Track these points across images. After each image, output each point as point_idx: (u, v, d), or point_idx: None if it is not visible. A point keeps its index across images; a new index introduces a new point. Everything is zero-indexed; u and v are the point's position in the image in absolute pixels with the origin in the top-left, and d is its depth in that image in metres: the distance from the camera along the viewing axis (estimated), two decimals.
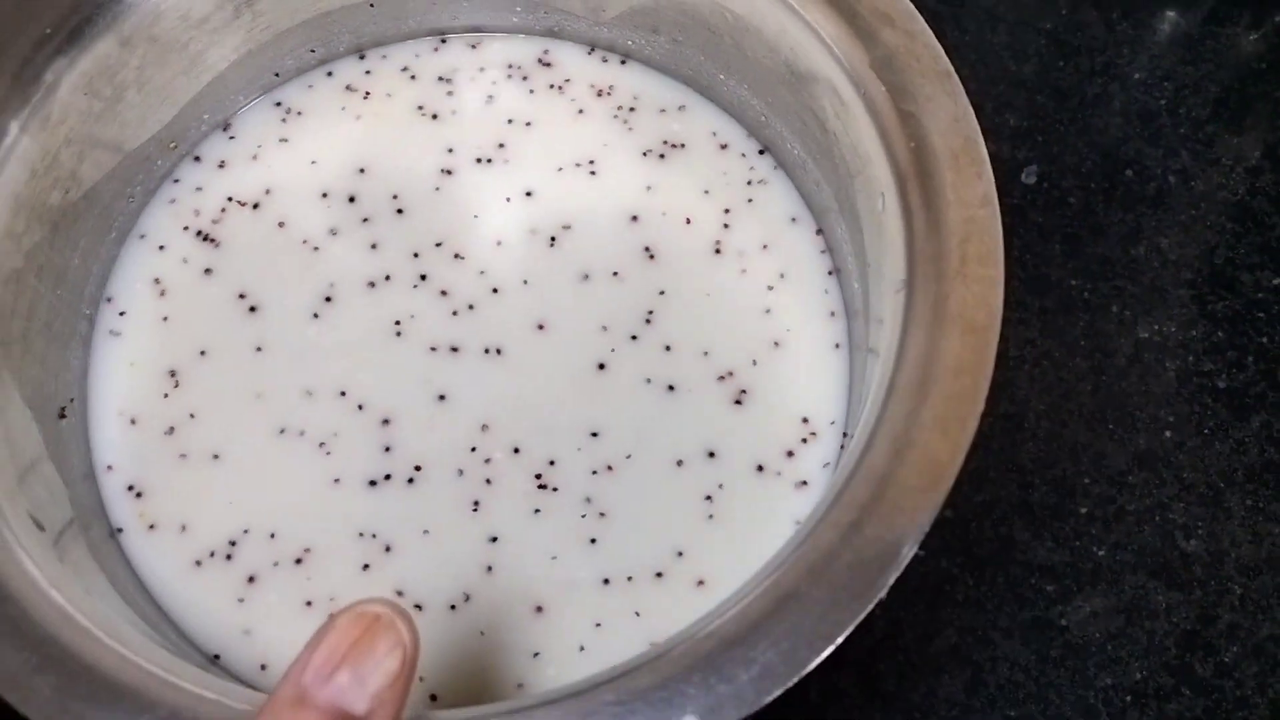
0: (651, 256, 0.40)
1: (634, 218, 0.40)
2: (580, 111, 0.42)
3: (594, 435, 0.37)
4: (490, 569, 0.36)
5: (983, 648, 0.41)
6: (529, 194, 0.41)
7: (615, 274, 0.39)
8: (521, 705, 0.27)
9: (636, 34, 0.41)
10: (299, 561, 0.36)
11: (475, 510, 0.36)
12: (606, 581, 0.36)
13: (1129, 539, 0.42)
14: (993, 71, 0.50)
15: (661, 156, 0.41)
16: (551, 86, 0.42)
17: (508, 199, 0.41)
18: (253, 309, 0.39)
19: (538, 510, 0.36)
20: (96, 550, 0.34)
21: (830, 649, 0.26)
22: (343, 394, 0.38)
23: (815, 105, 0.35)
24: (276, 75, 0.42)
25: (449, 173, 0.41)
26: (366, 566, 0.36)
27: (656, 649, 0.27)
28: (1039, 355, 0.45)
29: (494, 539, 0.36)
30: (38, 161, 0.35)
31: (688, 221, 0.40)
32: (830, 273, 0.39)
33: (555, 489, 0.37)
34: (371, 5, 0.41)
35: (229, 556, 0.36)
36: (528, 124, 0.42)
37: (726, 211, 0.40)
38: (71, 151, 0.36)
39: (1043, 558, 0.42)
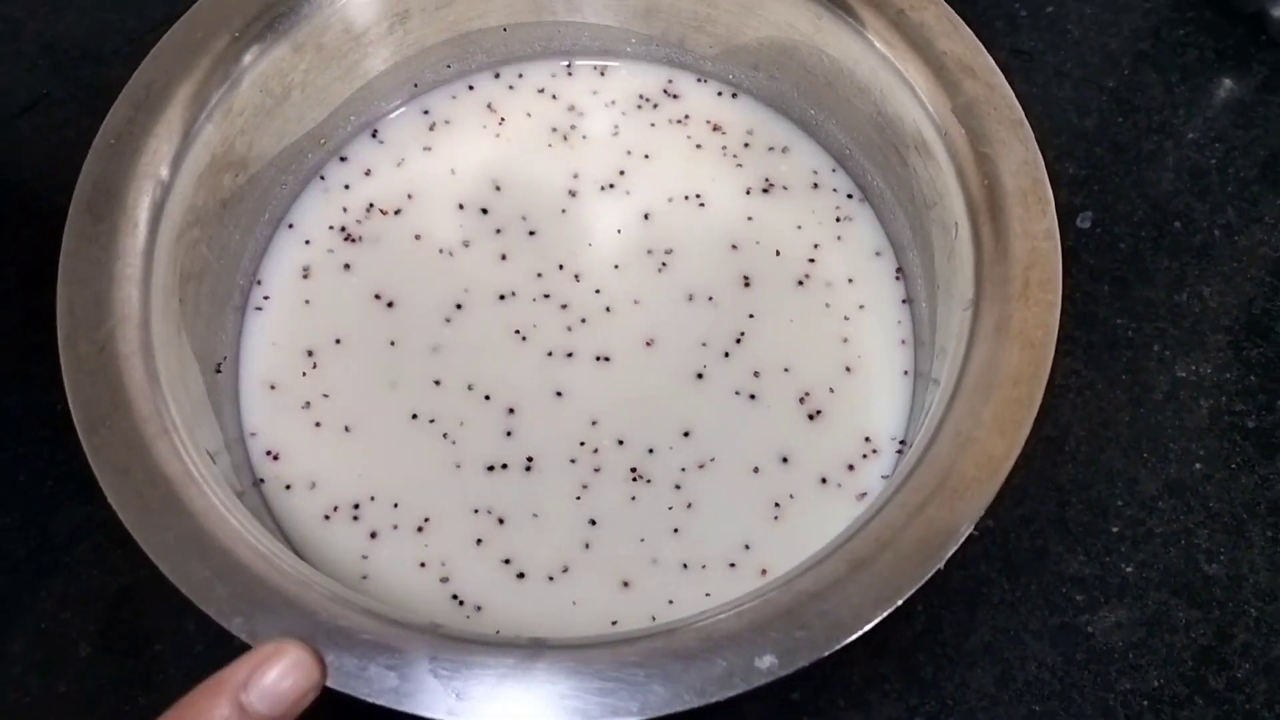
0: (747, 284, 0.44)
1: (733, 246, 0.45)
2: (698, 146, 0.47)
3: (685, 435, 0.42)
4: (588, 546, 0.40)
5: (1014, 647, 0.45)
6: (645, 217, 0.46)
7: (711, 299, 0.44)
8: (620, 637, 0.31)
9: (739, 69, 0.46)
10: (420, 529, 0.41)
11: (579, 498, 0.41)
12: (685, 566, 0.40)
13: (1155, 558, 0.46)
14: (1056, 123, 0.54)
15: (765, 191, 0.46)
16: (671, 120, 0.47)
17: (619, 230, 0.46)
18: (390, 305, 0.44)
19: (633, 498, 0.41)
20: (245, 496, 0.38)
21: (891, 609, 0.31)
22: (470, 387, 0.43)
23: (899, 143, 0.40)
24: (415, 85, 0.47)
25: (574, 194, 0.46)
26: (480, 541, 0.41)
27: (741, 598, 0.32)
28: (1083, 385, 0.49)
29: (593, 521, 0.41)
30: (218, 146, 0.40)
31: (777, 254, 0.45)
32: (904, 301, 0.44)
33: (649, 480, 0.41)
34: (504, 30, 0.46)
35: (355, 518, 0.41)
36: (646, 156, 0.47)
37: (815, 246, 0.45)
38: (244, 140, 0.41)
39: (1074, 570, 0.46)
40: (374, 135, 0.47)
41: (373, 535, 0.41)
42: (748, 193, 0.46)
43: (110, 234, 0.36)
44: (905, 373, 0.43)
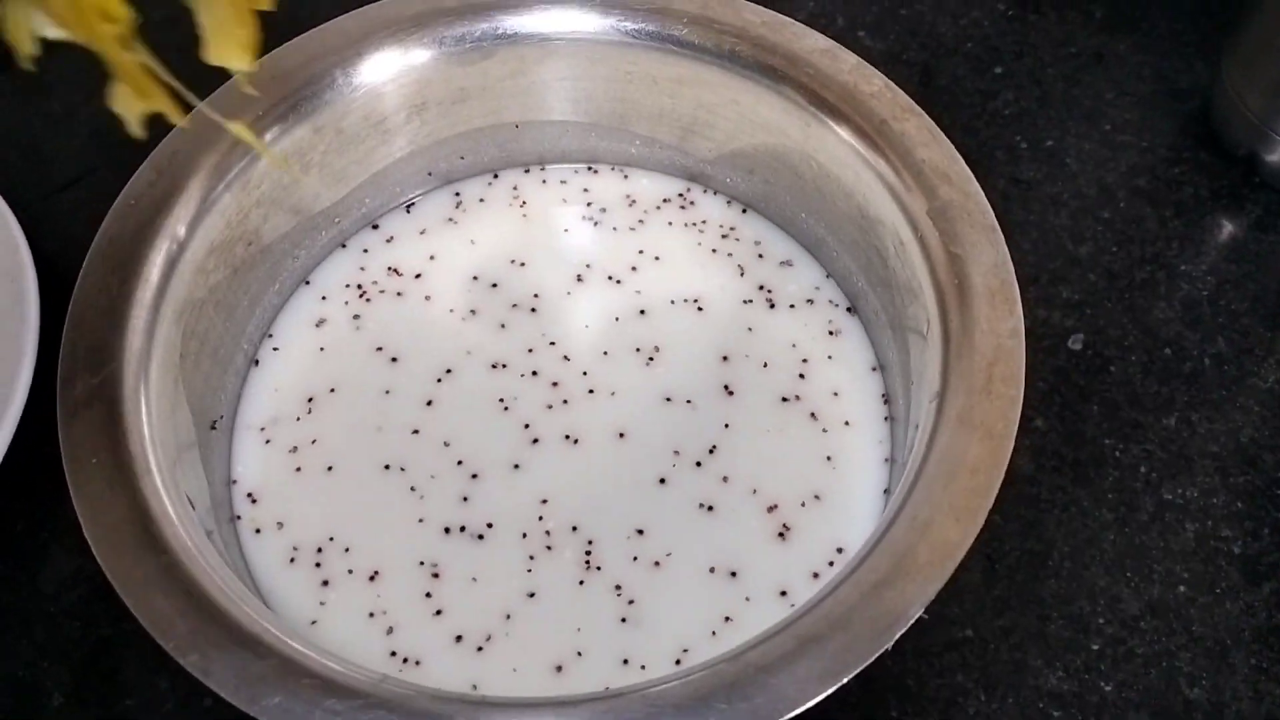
0: (730, 393, 0.46)
1: (724, 358, 0.46)
2: (713, 251, 0.49)
3: (640, 533, 0.43)
4: (509, 617, 0.41)
5: None
6: (642, 313, 0.48)
7: (689, 402, 0.45)
8: (565, 699, 0.31)
9: (734, 173, 0.48)
10: (371, 579, 0.41)
11: (529, 570, 0.42)
12: (625, 661, 0.40)
13: (1136, 679, 0.45)
14: (1051, 249, 0.56)
15: (770, 306, 0.48)
16: (688, 225, 0.50)
17: (616, 318, 0.47)
18: (393, 360, 0.46)
19: (581, 582, 0.42)
20: (222, 533, 0.40)
21: (835, 686, 0.31)
22: (445, 444, 0.44)
23: (880, 244, 0.42)
24: (430, 174, 0.50)
25: (581, 280, 0.48)
26: (428, 594, 0.41)
27: (690, 668, 0.32)
28: (1068, 501, 0.49)
29: (532, 594, 0.41)
30: (233, 216, 0.42)
31: (765, 365, 0.46)
32: (886, 419, 0.45)
33: (599, 567, 0.42)
34: (516, 127, 0.49)
35: (317, 564, 0.42)
36: (657, 257, 0.49)
37: (804, 361, 0.46)
38: (259, 212, 0.43)
39: (1053, 685, 0.45)
40: (407, 211, 0.50)
41: (324, 583, 0.42)
42: (746, 303, 0.48)
43: (119, 285, 0.38)
44: (886, 491, 0.44)
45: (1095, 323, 0.54)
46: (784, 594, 0.41)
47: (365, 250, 0.49)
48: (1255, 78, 0.54)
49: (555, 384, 0.46)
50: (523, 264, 0.49)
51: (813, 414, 0.45)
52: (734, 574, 0.42)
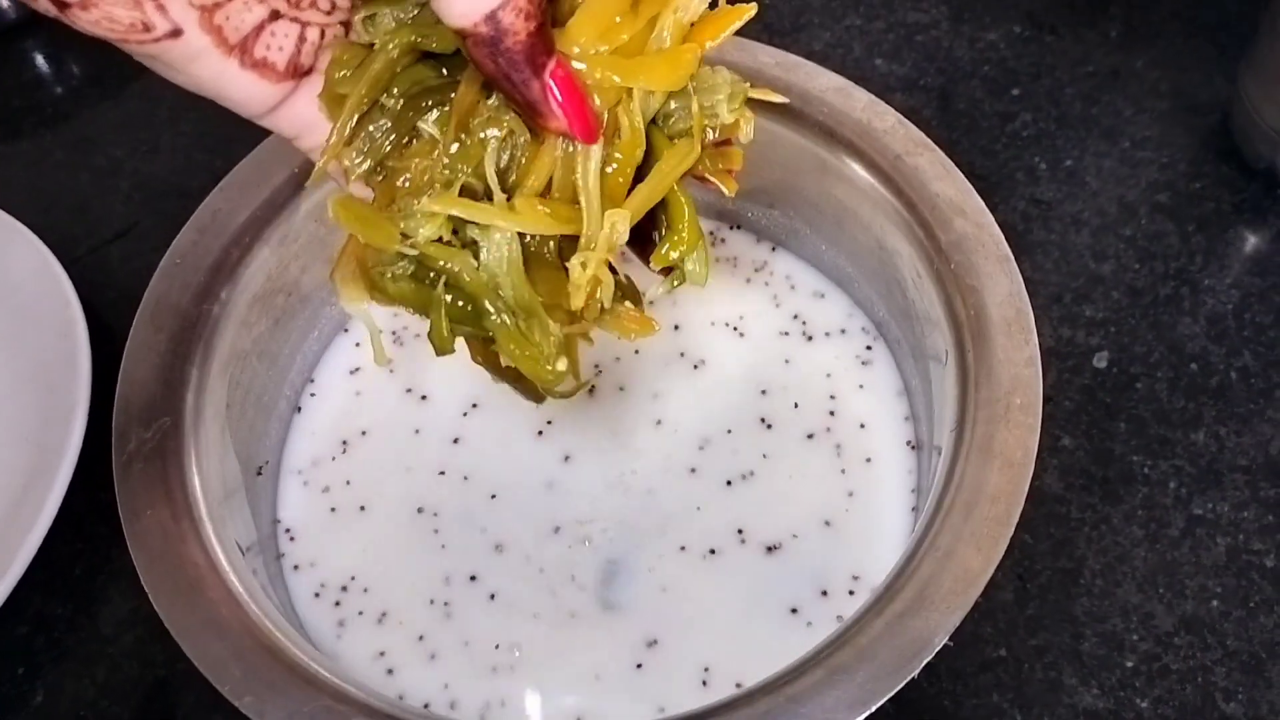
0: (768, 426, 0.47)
1: (763, 391, 0.48)
2: (747, 281, 0.51)
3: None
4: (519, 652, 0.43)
5: None
6: (675, 328, 0.50)
7: (730, 431, 0.47)
8: None
9: (755, 209, 0.49)
10: (379, 620, 0.43)
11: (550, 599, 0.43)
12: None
13: (1171, 695, 0.46)
14: (1074, 268, 0.57)
15: (807, 337, 0.49)
16: (721, 259, 0.51)
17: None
18: (423, 398, 0.47)
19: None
20: (269, 571, 0.41)
21: (865, 713, 0.31)
22: (466, 479, 0.46)
23: (899, 275, 0.43)
24: None
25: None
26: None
27: (722, 701, 0.33)
28: (1098, 520, 0.50)
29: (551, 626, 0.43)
30: (273, 269, 0.44)
31: (795, 406, 0.47)
32: (909, 445, 0.46)
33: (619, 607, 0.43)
34: None
35: (337, 603, 0.44)
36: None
37: (832, 398, 0.47)
38: (298, 264, 0.45)
39: (1088, 703, 0.46)
40: None
41: (340, 623, 0.44)
42: (783, 334, 0.49)
43: (168, 343, 0.40)
44: (914, 509, 0.45)
45: (1120, 340, 0.54)
46: (794, 611, 0.43)
47: None
48: (1272, 91, 0.55)
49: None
50: None
51: (838, 445, 0.46)
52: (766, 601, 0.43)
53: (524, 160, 0.30)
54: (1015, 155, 0.60)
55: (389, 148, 0.31)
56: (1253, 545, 0.49)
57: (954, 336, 0.38)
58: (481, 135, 0.30)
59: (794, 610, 0.42)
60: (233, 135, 0.63)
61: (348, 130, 0.30)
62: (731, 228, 0.52)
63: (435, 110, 0.30)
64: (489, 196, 0.30)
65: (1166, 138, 0.60)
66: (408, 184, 0.30)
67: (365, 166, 0.31)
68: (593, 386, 0.48)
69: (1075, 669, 0.46)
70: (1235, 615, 0.47)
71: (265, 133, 0.47)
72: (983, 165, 0.60)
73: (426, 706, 0.41)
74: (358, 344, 0.49)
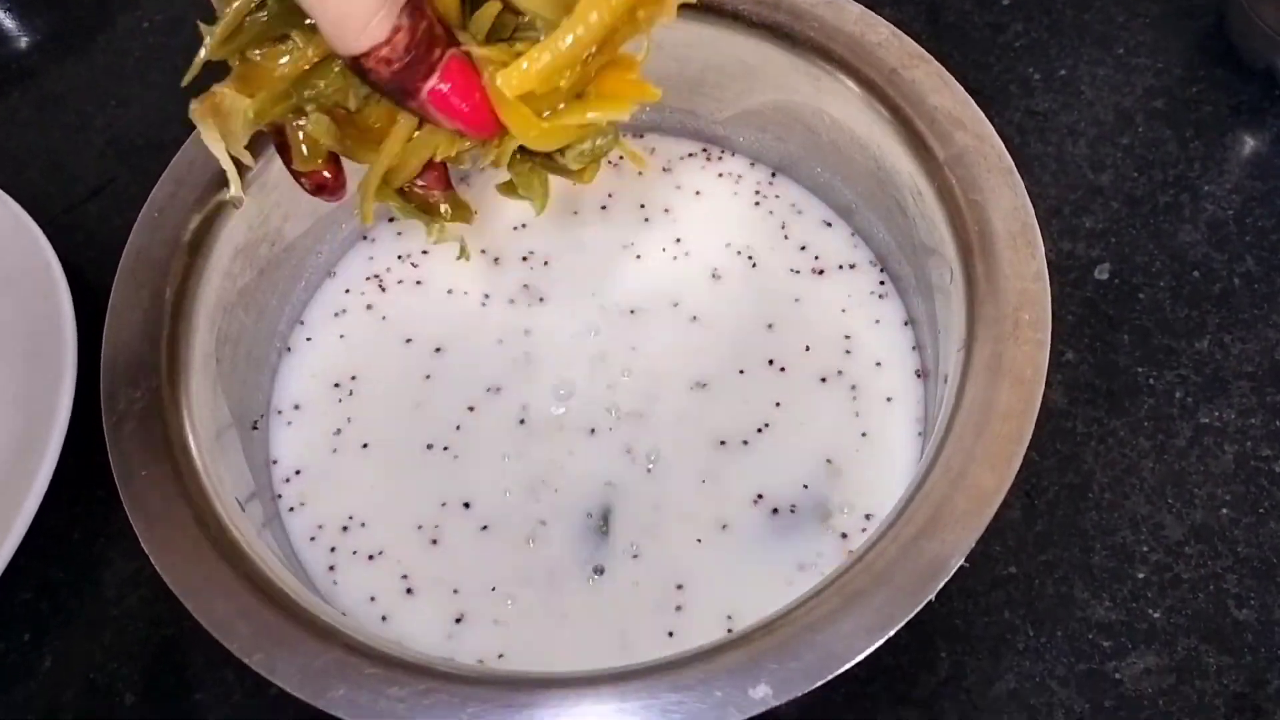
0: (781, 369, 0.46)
1: (769, 325, 0.47)
2: (755, 205, 0.50)
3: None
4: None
5: (1040, 694, 0.44)
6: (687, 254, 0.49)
7: (742, 372, 0.46)
8: (621, 670, 0.32)
9: (747, 131, 0.48)
10: (371, 558, 0.43)
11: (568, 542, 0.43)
12: (670, 634, 0.41)
13: (1183, 604, 0.46)
14: (1072, 179, 0.56)
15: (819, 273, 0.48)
16: (721, 175, 0.50)
17: (664, 248, 0.49)
18: (407, 340, 0.47)
19: (635, 555, 0.42)
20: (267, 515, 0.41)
21: (882, 639, 0.31)
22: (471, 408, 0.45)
23: (898, 195, 0.42)
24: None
25: (605, 209, 0.49)
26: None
27: (740, 633, 0.32)
28: (1105, 433, 0.49)
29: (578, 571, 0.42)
30: (254, 218, 0.43)
31: (807, 349, 0.46)
32: (917, 374, 0.45)
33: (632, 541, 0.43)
34: None
35: (332, 548, 0.44)
36: (697, 192, 0.50)
37: (846, 338, 0.47)
38: (279, 212, 0.44)
39: (1100, 616, 0.46)
40: None
41: (330, 569, 0.43)
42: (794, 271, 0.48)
43: (151, 299, 0.39)
44: (920, 434, 0.44)
45: (1121, 251, 0.53)
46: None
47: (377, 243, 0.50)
48: None
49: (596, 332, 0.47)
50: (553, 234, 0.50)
51: (853, 386, 0.46)
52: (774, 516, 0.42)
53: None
54: (1008, 67, 0.59)
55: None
56: (1261, 451, 0.48)
57: (959, 254, 0.37)
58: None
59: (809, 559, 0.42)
60: (204, 85, 0.62)
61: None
62: (724, 153, 0.50)
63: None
64: None
65: (1161, 43, 0.59)
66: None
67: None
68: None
69: (1086, 583, 0.46)
70: (1245, 522, 0.47)
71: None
72: (975, 78, 0.58)
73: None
74: (346, 289, 0.48)
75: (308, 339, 0.48)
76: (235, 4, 0.32)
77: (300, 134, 0.35)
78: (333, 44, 0.30)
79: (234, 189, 0.37)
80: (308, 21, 0.32)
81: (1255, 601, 0.45)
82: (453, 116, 0.32)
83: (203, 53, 0.33)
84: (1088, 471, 0.48)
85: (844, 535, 0.42)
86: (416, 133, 0.35)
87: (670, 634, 0.40)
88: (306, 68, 0.33)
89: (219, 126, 0.35)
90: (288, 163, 0.36)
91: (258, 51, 0.33)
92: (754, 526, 0.42)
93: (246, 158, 0.36)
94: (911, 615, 0.31)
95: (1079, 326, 0.51)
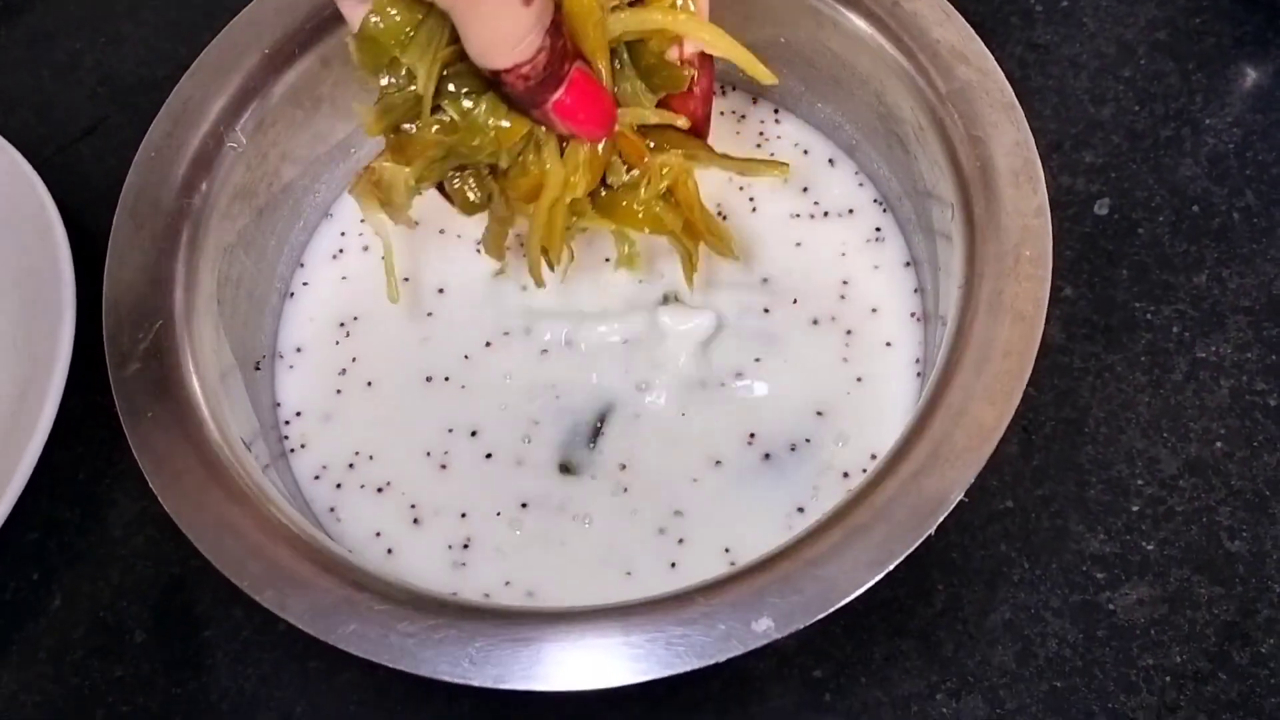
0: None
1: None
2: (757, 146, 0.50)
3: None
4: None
5: (1035, 624, 0.45)
6: None
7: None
8: (625, 604, 0.33)
9: None
10: (379, 490, 0.44)
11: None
12: (673, 565, 0.42)
13: (1177, 536, 0.46)
14: (1073, 113, 0.55)
15: (813, 217, 0.48)
16: (722, 113, 0.49)
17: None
18: (405, 279, 0.47)
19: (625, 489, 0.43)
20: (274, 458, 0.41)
21: (883, 573, 0.32)
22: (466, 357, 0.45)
23: (900, 130, 0.41)
24: None
25: None
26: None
27: (742, 567, 0.33)
28: (1101, 368, 0.49)
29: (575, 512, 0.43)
30: (252, 158, 0.42)
31: (794, 302, 0.46)
32: (913, 316, 0.45)
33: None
34: None
35: (338, 484, 0.44)
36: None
37: (844, 283, 0.47)
38: (277, 152, 0.44)
39: (1095, 548, 0.46)
40: None
41: (331, 509, 0.44)
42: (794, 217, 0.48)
43: (151, 240, 0.39)
44: (918, 375, 0.45)
45: (1120, 185, 0.53)
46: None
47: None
48: None
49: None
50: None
51: (848, 331, 0.46)
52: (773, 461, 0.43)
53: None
54: None
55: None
56: (1256, 385, 0.49)
57: (959, 191, 0.37)
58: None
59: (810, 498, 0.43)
60: (196, 21, 0.62)
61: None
62: (725, 88, 0.50)
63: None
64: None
65: None
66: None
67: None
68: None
69: (1081, 516, 0.47)
70: (1239, 455, 0.48)
71: (230, 16, 0.45)
72: (976, 10, 0.56)
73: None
74: (343, 232, 0.48)
75: (304, 283, 0.47)
76: (389, 84, 0.35)
77: (458, 189, 0.38)
78: (479, 59, 0.33)
79: (390, 292, 0.40)
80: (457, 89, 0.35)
81: (1247, 533, 0.46)
82: (571, 122, 0.35)
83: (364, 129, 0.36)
84: (1084, 406, 0.49)
85: (845, 474, 0.43)
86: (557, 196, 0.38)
87: (673, 564, 0.41)
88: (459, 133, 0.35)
89: (380, 198, 0.37)
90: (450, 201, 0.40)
91: (409, 125, 0.35)
92: (747, 465, 0.43)
93: (410, 223, 0.39)
94: (912, 549, 0.32)
95: (1078, 262, 0.51)
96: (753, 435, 0.43)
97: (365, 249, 0.48)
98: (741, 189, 0.49)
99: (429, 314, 0.46)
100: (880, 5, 0.40)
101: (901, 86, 0.40)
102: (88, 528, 0.48)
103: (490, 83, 0.34)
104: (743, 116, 0.51)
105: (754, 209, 0.48)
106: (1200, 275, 0.51)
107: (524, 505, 0.42)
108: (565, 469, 0.43)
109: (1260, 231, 0.52)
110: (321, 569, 0.34)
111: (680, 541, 0.41)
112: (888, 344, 0.45)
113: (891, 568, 0.32)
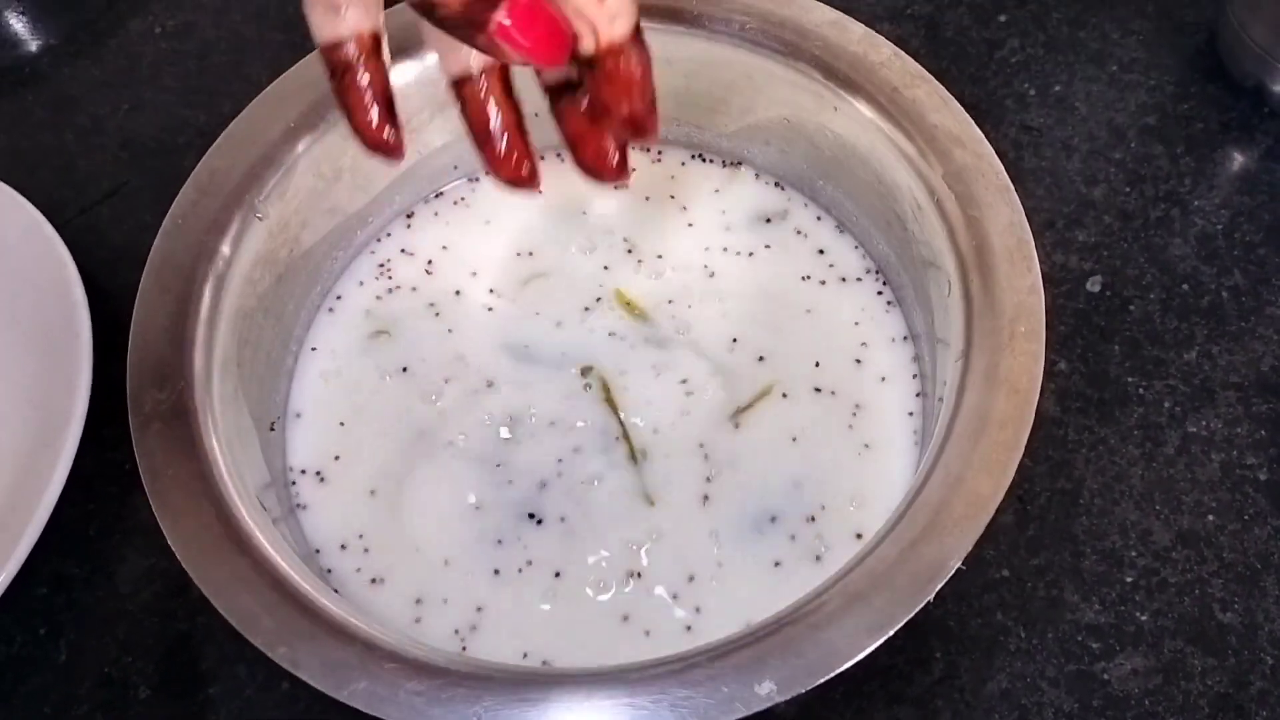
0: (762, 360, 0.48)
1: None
2: (767, 221, 0.51)
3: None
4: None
5: (1031, 693, 0.46)
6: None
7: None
8: (631, 666, 0.33)
9: (753, 145, 0.49)
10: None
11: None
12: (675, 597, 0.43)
13: (1170, 607, 0.47)
14: (1065, 193, 0.57)
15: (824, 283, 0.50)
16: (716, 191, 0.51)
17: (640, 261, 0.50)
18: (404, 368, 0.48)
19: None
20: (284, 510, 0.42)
21: (883, 638, 0.33)
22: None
23: (899, 209, 0.43)
24: (455, 168, 0.51)
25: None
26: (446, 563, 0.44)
27: (747, 629, 0.34)
28: (1095, 441, 0.51)
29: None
30: (274, 226, 0.44)
31: (817, 364, 0.48)
32: (915, 376, 0.47)
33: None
34: (536, 115, 0.50)
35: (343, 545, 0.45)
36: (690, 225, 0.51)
37: (863, 345, 0.48)
38: (298, 219, 0.45)
39: (1090, 618, 0.47)
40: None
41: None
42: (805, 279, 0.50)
43: (176, 304, 0.40)
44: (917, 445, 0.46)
45: (1112, 264, 0.55)
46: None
47: (402, 249, 0.51)
48: (1259, 9, 0.55)
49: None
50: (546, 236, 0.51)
51: (846, 391, 0.47)
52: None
53: None
54: (1004, 82, 0.60)
55: None
56: (1246, 460, 0.50)
57: (957, 268, 0.39)
58: None
59: (818, 557, 0.43)
60: (216, 89, 0.64)
61: None
62: (728, 164, 0.52)
63: None
64: None
65: (1154, 59, 0.61)
66: None
67: None
68: None
69: (1076, 586, 0.48)
70: (1230, 528, 0.48)
71: (248, 85, 0.47)
72: (972, 93, 0.60)
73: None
74: (360, 283, 0.50)
75: (313, 348, 0.49)
76: None
77: None
78: None
79: None
80: None
81: (1239, 605, 0.47)
82: (516, 46, 0.31)
83: None
84: (1079, 478, 0.50)
85: (859, 535, 0.44)
86: None
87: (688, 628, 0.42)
88: None
89: None
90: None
91: None
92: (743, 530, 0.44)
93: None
94: (911, 615, 0.33)
95: (1071, 337, 0.53)
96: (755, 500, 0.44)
97: (368, 313, 0.50)
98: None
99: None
100: (881, 91, 0.42)
101: (901, 167, 0.42)
102: (96, 583, 0.49)
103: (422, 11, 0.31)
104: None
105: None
106: (1191, 352, 0.52)
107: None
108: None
109: (1248, 310, 0.53)
110: (335, 628, 0.34)
111: (697, 609, 0.42)
112: (889, 412, 0.46)
113: (891, 633, 0.33)
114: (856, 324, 0.48)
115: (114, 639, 0.47)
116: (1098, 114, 0.59)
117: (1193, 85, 0.59)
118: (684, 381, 0.47)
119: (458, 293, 0.49)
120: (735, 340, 0.48)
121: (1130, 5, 0.62)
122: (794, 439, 0.45)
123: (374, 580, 0.43)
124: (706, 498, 0.44)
